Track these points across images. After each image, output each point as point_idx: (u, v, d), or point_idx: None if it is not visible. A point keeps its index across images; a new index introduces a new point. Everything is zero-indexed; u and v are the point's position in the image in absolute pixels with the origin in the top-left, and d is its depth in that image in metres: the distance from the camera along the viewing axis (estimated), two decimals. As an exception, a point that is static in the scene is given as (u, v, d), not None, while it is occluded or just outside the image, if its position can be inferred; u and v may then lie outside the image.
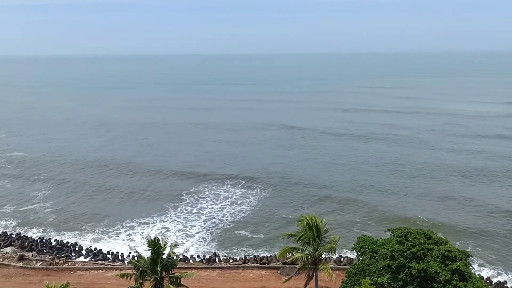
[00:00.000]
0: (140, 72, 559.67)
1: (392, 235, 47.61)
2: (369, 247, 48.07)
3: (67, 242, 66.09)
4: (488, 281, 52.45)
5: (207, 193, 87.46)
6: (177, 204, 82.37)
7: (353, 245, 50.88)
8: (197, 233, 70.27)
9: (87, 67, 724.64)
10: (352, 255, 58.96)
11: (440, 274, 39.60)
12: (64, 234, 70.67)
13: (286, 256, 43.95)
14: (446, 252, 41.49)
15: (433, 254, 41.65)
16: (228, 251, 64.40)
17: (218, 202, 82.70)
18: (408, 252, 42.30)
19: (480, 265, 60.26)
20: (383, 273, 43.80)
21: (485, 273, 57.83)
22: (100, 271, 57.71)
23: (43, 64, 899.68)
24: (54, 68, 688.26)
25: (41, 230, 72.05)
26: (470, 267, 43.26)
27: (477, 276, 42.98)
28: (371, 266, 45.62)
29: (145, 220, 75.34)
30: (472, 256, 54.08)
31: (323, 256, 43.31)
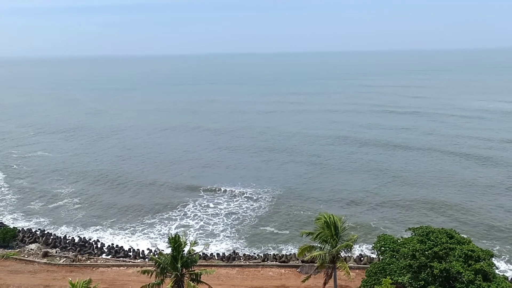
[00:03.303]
0: (144, 73, 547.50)
1: (413, 234, 47.04)
2: (390, 246, 47.61)
3: (90, 239, 67.40)
4: (513, 282, 51.15)
5: (222, 191, 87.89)
6: (196, 199, 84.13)
7: (374, 244, 50.43)
8: (221, 231, 71.03)
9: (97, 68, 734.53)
10: (373, 254, 58.42)
11: (463, 274, 38.93)
12: (88, 229, 72.80)
13: (305, 254, 43.85)
14: (469, 252, 40.76)
15: (456, 253, 40.96)
16: (248, 248, 64.90)
17: (235, 200, 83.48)
18: (429, 251, 41.70)
19: (507, 262, 59.43)
20: (404, 272, 43.31)
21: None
22: (121, 267, 58.62)
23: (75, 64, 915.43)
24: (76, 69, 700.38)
25: (66, 227, 73.95)
26: (494, 267, 42.40)
27: (501, 276, 42.06)
28: (391, 265, 45.16)
29: (167, 216, 76.97)
30: (495, 256, 53.00)
31: (342, 255, 43.00)
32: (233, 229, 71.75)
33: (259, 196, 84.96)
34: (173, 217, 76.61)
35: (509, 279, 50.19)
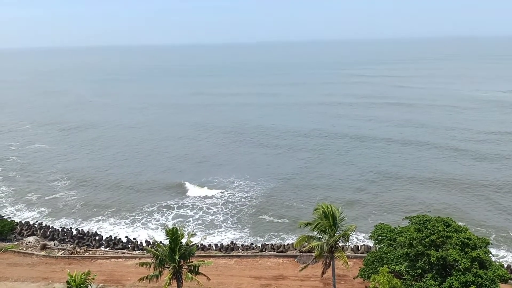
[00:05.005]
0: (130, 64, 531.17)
1: (410, 223, 47.22)
2: (387, 235, 47.81)
3: (88, 232, 67.40)
4: (508, 269, 51.60)
5: (217, 183, 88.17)
6: (193, 190, 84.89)
7: (371, 233, 50.64)
8: (221, 222, 71.47)
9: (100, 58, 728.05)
10: (370, 243, 58.71)
11: (460, 262, 39.18)
12: (89, 220, 73.27)
13: (303, 244, 43.98)
14: (466, 240, 40.99)
15: (452, 241, 41.18)
16: (252, 237, 65.65)
17: (231, 191, 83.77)
18: (426, 240, 41.89)
19: (508, 250, 59.91)
20: (401, 261, 43.54)
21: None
22: (120, 259, 58.76)
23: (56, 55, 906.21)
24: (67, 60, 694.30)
25: (66, 218, 74.32)
26: (490, 255, 42.68)
27: (497, 264, 42.40)
28: (389, 254, 45.38)
29: (165, 204, 78.11)
30: (493, 244, 53.31)
31: (340, 244, 43.13)
32: (234, 218, 72.17)
33: (254, 188, 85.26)
34: (171, 205, 77.56)
35: (505, 266, 50.59)
